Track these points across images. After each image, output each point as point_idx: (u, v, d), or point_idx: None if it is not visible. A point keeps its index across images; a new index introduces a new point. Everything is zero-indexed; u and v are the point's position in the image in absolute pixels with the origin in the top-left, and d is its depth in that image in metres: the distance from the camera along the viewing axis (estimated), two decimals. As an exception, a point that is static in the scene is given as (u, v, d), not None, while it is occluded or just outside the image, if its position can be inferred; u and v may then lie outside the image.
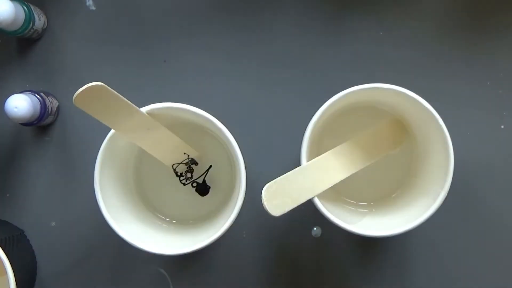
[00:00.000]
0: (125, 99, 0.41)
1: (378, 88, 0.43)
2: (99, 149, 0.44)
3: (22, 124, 0.52)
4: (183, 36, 0.55)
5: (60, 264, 0.55)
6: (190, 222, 0.52)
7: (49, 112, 0.53)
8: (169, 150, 0.47)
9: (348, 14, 0.55)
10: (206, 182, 0.51)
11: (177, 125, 0.48)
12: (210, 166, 0.51)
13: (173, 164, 0.49)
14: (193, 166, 0.50)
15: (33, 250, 0.55)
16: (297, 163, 0.44)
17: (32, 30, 0.53)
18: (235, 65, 0.55)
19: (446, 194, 0.43)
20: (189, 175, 0.50)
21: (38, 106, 0.52)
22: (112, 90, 0.40)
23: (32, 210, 0.56)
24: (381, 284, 0.54)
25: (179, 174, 0.50)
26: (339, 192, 0.51)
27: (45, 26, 0.56)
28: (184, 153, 0.49)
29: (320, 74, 0.55)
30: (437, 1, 0.54)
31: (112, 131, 0.44)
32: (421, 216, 0.43)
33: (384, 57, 0.54)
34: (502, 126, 0.54)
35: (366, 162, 0.46)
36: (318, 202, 0.43)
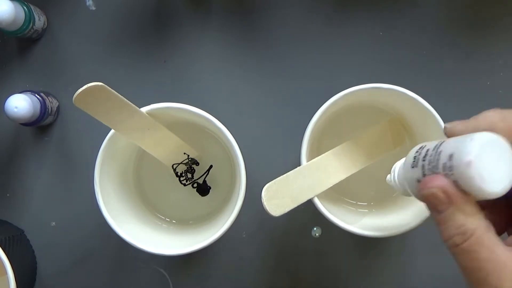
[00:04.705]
0: (125, 99, 0.41)
1: (378, 88, 0.43)
2: (99, 149, 0.44)
3: (22, 124, 0.52)
4: (183, 36, 0.55)
5: (60, 264, 0.55)
6: (190, 222, 0.52)
7: (49, 112, 0.53)
8: (169, 150, 0.47)
9: (348, 15, 0.55)
10: (207, 182, 0.51)
11: (177, 125, 0.48)
12: (211, 166, 0.51)
13: (173, 164, 0.49)
14: (194, 166, 0.50)
15: (33, 250, 0.55)
16: (297, 163, 0.44)
17: (32, 30, 0.53)
18: (235, 65, 0.55)
19: (446, 194, 0.43)
20: (189, 175, 0.50)
21: (38, 106, 0.52)
22: (112, 90, 0.40)
23: (32, 210, 0.56)
24: (381, 284, 0.54)
25: (179, 174, 0.50)
26: (339, 192, 0.51)
27: (45, 26, 0.56)
28: (184, 153, 0.49)
29: (321, 74, 0.55)
30: (437, 2, 0.54)
31: (112, 131, 0.44)
32: (421, 216, 0.43)
33: (384, 57, 0.54)
34: (502, 126, 0.53)
35: (366, 162, 0.46)
36: (318, 202, 0.43)
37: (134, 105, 0.42)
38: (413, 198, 0.47)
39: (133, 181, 0.51)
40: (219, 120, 0.44)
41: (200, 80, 0.55)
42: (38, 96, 0.52)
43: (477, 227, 0.26)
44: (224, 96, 0.55)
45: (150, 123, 0.44)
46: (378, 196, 0.51)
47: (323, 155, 0.44)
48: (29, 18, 0.52)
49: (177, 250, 0.43)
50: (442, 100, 0.50)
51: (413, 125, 0.48)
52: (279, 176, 0.42)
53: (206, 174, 0.50)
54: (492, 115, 0.30)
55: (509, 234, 0.29)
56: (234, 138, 0.44)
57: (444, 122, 0.43)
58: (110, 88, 0.40)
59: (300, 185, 0.42)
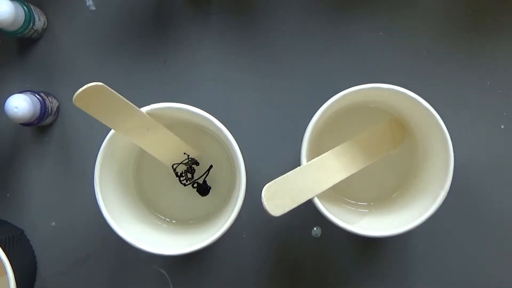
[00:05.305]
0: (125, 99, 0.41)
1: (378, 88, 0.43)
2: (99, 149, 0.44)
3: (22, 124, 0.52)
4: (183, 36, 0.55)
5: (60, 264, 0.55)
6: (190, 222, 0.52)
7: (49, 112, 0.53)
8: (169, 150, 0.47)
9: (348, 15, 0.55)
10: (207, 182, 0.51)
11: (177, 125, 0.48)
12: (211, 166, 0.51)
13: (173, 164, 0.49)
14: (194, 166, 0.50)
15: (33, 250, 0.55)
16: (297, 163, 0.44)
17: (32, 30, 0.53)
18: (235, 64, 0.55)
19: (446, 194, 0.43)
20: (189, 175, 0.50)
21: (38, 106, 0.52)
22: (112, 90, 0.40)
23: (32, 210, 0.56)
24: (381, 284, 0.54)
25: (179, 174, 0.50)
26: (339, 192, 0.51)
27: (45, 26, 0.56)
28: (184, 153, 0.49)
29: (320, 74, 0.55)
30: (437, 2, 0.54)
31: (112, 131, 0.44)
32: (421, 216, 0.43)
33: (384, 57, 0.54)
34: (502, 126, 0.54)
35: (366, 162, 0.46)
36: (318, 202, 0.43)
37: (134, 105, 0.42)
38: (412, 199, 0.47)
39: (133, 181, 0.51)
40: (219, 120, 0.44)
41: (200, 80, 0.55)
42: (38, 96, 0.52)
43: None
44: (224, 96, 0.55)
45: (150, 123, 0.44)
46: (378, 196, 0.51)
47: (323, 155, 0.44)
48: (29, 18, 0.52)
49: (177, 250, 0.43)
50: (442, 100, 0.50)
51: (413, 125, 0.48)
52: (279, 176, 0.42)
53: (206, 174, 0.50)
54: None
55: None
56: (234, 138, 0.44)
57: (444, 122, 0.43)
58: (110, 88, 0.40)
59: (300, 185, 0.42)
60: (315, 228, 0.54)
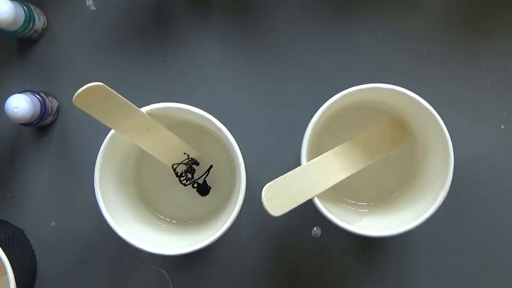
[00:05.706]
0: (125, 99, 0.41)
1: (378, 88, 0.43)
2: (99, 149, 0.44)
3: (22, 124, 0.52)
4: (183, 36, 0.55)
5: (60, 264, 0.55)
6: (190, 222, 0.52)
7: (49, 112, 0.53)
8: (169, 150, 0.47)
9: (348, 15, 0.55)
10: (207, 182, 0.51)
11: (177, 125, 0.48)
12: (211, 166, 0.51)
13: (173, 164, 0.49)
14: (194, 166, 0.50)
15: (33, 250, 0.55)
16: (297, 163, 0.44)
17: (32, 30, 0.53)
18: (235, 64, 0.55)
19: (446, 194, 0.43)
20: (189, 175, 0.50)
21: (38, 106, 0.52)
22: (112, 90, 0.40)
23: (32, 210, 0.56)
24: (381, 284, 0.54)
25: (179, 174, 0.50)
26: (339, 192, 0.51)
27: (45, 26, 0.56)
28: (184, 153, 0.49)
29: (320, 74, 0.55)
30: (437, 2, 0.54)
31: (112, 131, 0.44)
32: (421, 216, 0.43)
33: (384, 57, 0.54)
34: (502, 126, 0.54)
35: (366, 162, 0.46)
36: (318, 202, 0.43)
37: (134, 105, 0.42)
38: (412, 199, 0.47)
39: (133, 181, 0.51)
40: (219, 120, 0.44)
41: (200, 80, 0.55)
42: (38, 96, 0.52)
43: None
44: (224, 96, 0.55)
45: (150, 123, 0.44)
46: (378, 196, 0.51)
47: (323, 155, 0.44)
48: (29, 18, 0.52)
49: (177, 250, 0.43)
50: (442, 100, 0.50)
51: (413, 125, 0.48)
52: (279, 176, 0.42)
53: (206, 174, 0.50)
54: None
55: None
56: (234, 138, 0.44)
57: (444, 122, 0.43)
58: (110, 88, 0.40)
59: (300, 185, 0.42)
60: (315, 228, 0.54)
